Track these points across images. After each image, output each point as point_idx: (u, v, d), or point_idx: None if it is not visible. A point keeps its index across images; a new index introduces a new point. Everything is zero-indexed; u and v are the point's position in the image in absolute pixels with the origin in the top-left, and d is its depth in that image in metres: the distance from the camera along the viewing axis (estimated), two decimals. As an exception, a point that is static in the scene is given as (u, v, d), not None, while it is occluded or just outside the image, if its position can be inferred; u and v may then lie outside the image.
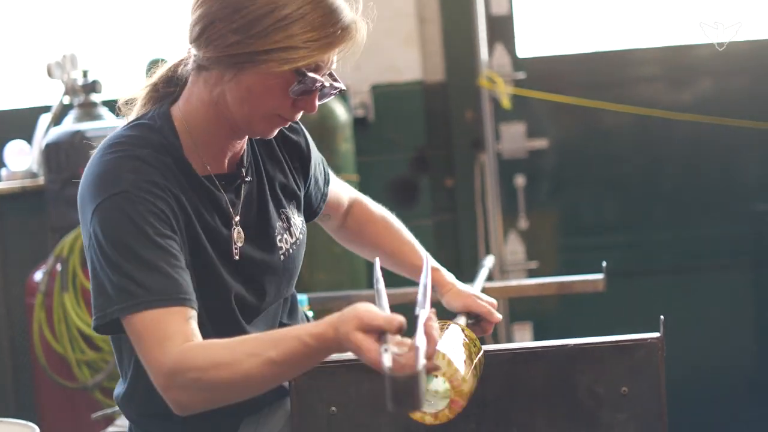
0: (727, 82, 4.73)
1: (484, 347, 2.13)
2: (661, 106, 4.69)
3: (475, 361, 2.01)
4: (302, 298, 3.19)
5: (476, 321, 2.39)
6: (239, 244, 2.13)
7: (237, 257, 2.12)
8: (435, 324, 1.81)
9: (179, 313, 1.92)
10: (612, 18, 4.77)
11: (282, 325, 2.28)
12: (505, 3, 4.74)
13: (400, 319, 1.74)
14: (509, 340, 4.69)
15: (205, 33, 2.00)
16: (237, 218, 2.12)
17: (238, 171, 2.16)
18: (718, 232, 4.75)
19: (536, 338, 4.70)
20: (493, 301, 2.42)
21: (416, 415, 1.93)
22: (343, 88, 2.14)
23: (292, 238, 2.23)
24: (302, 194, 2.30)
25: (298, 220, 2.27)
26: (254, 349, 1.84)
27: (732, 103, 4.69)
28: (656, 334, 2.11)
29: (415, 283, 2.03)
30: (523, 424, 2.14)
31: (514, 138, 4.74)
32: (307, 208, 2.36)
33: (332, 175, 2.48)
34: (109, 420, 3.35)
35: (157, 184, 1.99)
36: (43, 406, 4.31)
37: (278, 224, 2.20)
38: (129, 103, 2.19)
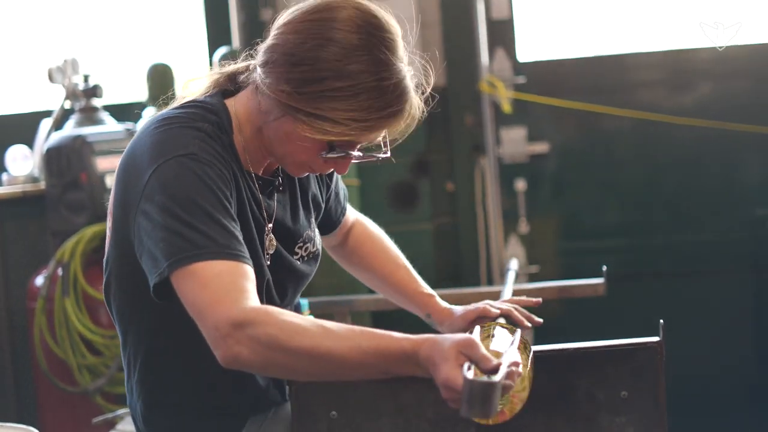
0: (727, 86, 4.73)
1: None
2: (661, 111, 4.69)
3: (529, 359, 2.02)
4: (303, 302, 3.19)
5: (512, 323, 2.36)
6: (270, 252, 2.12)
7: (268, 262, 2.11)
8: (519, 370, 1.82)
9: (244, 269, 1.88)
10: (612, 22, 4.77)
11: None
12: (505, 7, 4.74)
13: (496, 363, 1.74)
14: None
15: (268, 65, 2.00)
16: (270, 225, 2.12)
17: (274, 178, 2.16)
18: (719, 237, 4.75)
19: (536, 342, 4.69)
20: (506, 307, 2.37)
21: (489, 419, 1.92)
22: (380, 157, 2.13)
23: (313, 247, 2.24)
24: (323, 204, 2.32)
25: (317, 231, 2.29)
26: (346, 332, 1.82)
27: (733, 107, 4.69)
28: (656, 339, 2.11)
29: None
30: (523, 428, 2.14)
31: (514, 142, 4.74)
32: (327, 221, 2.37)
33: None
34: (110, 424, 3.35)
35: (220, 154, 1.98)
36: (44, 410, 4.31)
37: (304, 232, 2.21)
38: (193, 82, 2.18)
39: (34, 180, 4.53)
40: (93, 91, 4.39)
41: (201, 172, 1.92)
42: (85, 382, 4.10)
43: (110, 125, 4.37)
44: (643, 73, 4.78)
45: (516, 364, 1.79)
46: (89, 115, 4.38)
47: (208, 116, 2.03)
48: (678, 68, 4.75)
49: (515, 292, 3.57)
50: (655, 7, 4.75)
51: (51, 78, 4.41)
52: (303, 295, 3.03)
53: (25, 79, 4.99)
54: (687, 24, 4.71)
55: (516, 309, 2.37)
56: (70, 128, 4.35)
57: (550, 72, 4.77)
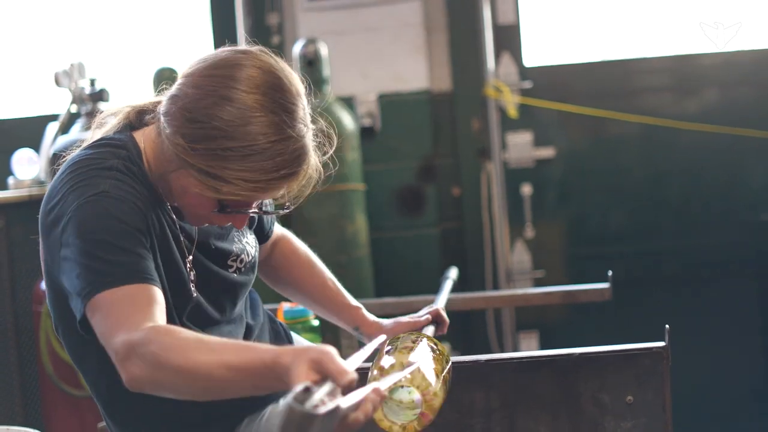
0: (733, 91, 4.73)
1: (488, 356, 2.13)
2: (667, 116, 4.69)
3: (444, 374, 2.01)
4: (304, 308, 3.19)
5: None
6: (192, 275, 2.11)
7: (194, 293, 2.10)
8: (370, 406, 1.70)
9: (146, 291, 1.88)
10: (618, 27, 4.77)
11: (248, 326, 2.28)
12: (511, 12, 4.75)
13: (352, 378, 1.64)
14: (515, 348, 4.69)
15: (168, 115, 1.98)
16: (190, 257, 2.11)
17: None
18: (724, 242, 4.74)
19: (542, 347, 4.70)
20: (419, 318, 2.37)
21: (384, 424, 1.92)
22: (280, 213, 2.12)
23: (248, 257, 2.23)
24: (255, 217, 2.32)
25: (251, 238, 2.28)
26: (216, 346, 1.77)
27: (738, 112, 4.69)
28: (661, 343, 2.12)
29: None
30: (529, 431, 2.14)
31: (520, 147, 4.74)
32: (258, 231, 2.36)
33: None
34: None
35: (133, 187, 1.98)
36: (50, 413, 4.31)
37: (235, 246, 2.20)
38: (102, 125, 2.16)
39: (40, 184, 4.53)
40: (99, 95, 4.39)
41: (111, 207, 1.93)
42: (91, 385, 4.10)
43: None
44: (648, 78, 4.78)
45: (381, 396, 1.69)
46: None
47: (118, 152, 2.03)
48: (684, 74, 4.75)
49: (514, 297, 3.60)
50: (661, 12, 4.75)
51: (57, 82, 4.41)
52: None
53: (32, 83, 4.99)
54: (693, 29, 4.71)
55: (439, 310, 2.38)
56: (76, 132, 4.35)
57: (556, 77, 4.77)
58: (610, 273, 3.30)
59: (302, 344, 1.72)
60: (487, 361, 2.13)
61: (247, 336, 2.25)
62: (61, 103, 4.59)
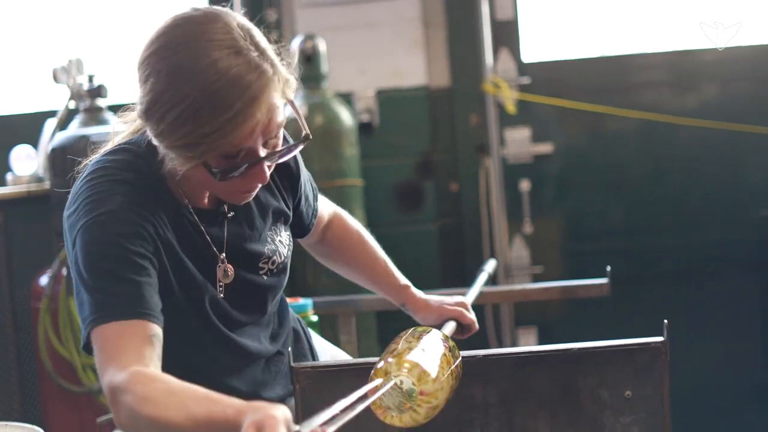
0: (732, 87, 4.73)
1: (487, 351, 2.14)
2: (666, 111, 4.69)
3: (452, 366, 2.02)
4: (307, 302, 3.19)
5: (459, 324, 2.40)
6: (225, 281, 2.11)
7: (222, 295, 2.10)
8: None
9: (139, 327, 1.89)
10: (617, 23, 4.77)
11: (273, 334, 2.26)
12: (510, 8, 4.75)
13: None
14: (514, 344, 4.69)
15: (141, 114, 1.98)
16: (222, 255, 2.10)
17: (219, 207, 2.12)
18: (723, 237, 4.75)
19: (541, 342, 4.70)
20: (463, 304, 2.43)
21: (395, 421, 1.94)
22: (288, 154, 2.02)
23: (279, 258, 2.21)
24: (291, 211, 2.27)
25: (285, 236, 2.25)
26: (187, 400, 1.78)
27: (737, 108, 4.69)
28: (660, 339, 2.12)
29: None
30: (527, 427, 2.14)
31: (518, 143, 4.74)
32: (299, 224, 2.33)
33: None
34: (114, 424, 3.35)
35: (142, 206, 1.98)
36: (49, 410, 4.31)
37: (267, 248, 2.18)
38: (118, 133, 2.16)
39: (38, 180, 4.53)
40: (97, 92, 4.39)
41: (115, 230, 1.93)
42: (90, 381, 4.11)
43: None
44: (647, 73, 4.78)
45: None
46: (94, 115, 4.38)
47: (136, 162, 2.02)
48: (682, 69, 4.75)
49: (512, 293, 3.59)
50: (659, 8, 4.75)
51: (55, 78, 4.41)
52: (307, 295, 3.04)
53: (30, 79, 4.99)
54: (691, 25, 4.71)
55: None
56: (74, 128, 4.35)
57: (554, 73, 4.77)
58: (608, 268, 3.30)
59: (260, 405, 1.71)
60: (485, 356, 2.13)
61: (273, 338, 2.25)
62: (59, 99, 4.58)
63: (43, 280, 4.24)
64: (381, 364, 1.96)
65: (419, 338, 2.06)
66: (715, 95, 4.74)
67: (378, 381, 1.93)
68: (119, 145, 2.10)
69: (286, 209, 2.25)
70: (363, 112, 4.66)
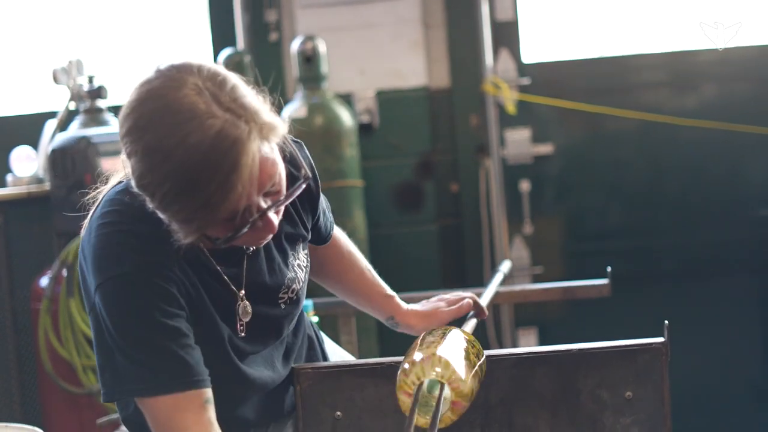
0: (731, 87, 4.73)
1: (487, 352, 2.13)
2: (665, 112, 4.69)
3: (477, 364, 2.01)
4: (307, 303, 3.19)
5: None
6: (245, 319, 2.07)
7: (242, 333, 2.07)
8: None
9: (194, 398, 1.90)
10: (616, 23, 4.77)
11: (287, 348, 2.23)
12: (510, 9, 4.75)
13: None
14: (514, 344, 4.69)
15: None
16: (241, 293, 2.06)
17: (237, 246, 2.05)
18: (723, 238, 4.75)
19: (541, 343, 4.70)
20: (456, 304, 2.38)
21: (421, 422, 1.93)
22: (290, 198, 1.94)
23: (298, 284, 2.17)
24: (309, 231, 2.22)
25: (302, 257, 2.20)
26: None
27: (736, 108, 4.69)
28: (660, 339, 2.12)
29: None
30: (528, 428, 2.14)
31: (519, 143, 4.74)
32: (317, 237, 2.29)
33: None
34: (115, 425, 3.35)
35: (159, 264, 1.93)
36: (49, 411, 4.31)
37: (287, 278, 2.14)
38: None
39: (38, 181, 4.53)
40: (98, 92, 4.39)
41: (137, 296, 1.91)
42: (90, 382, 4.11)
43: (115, 126, 4.37)
44: (647, 74, 4.78)
45: None
46: (94, 116, 4.39)
47: (147, 207, 1.90)
48: (682, 70, 4.75)
49: (512, 294, 3.59)
50: (659, 8, 4.75)
51: (56, 79, 4.41)
52: (308, 296, 3.02)
53: (30, 80, 4.99)
54: (691, 25, 4.71)
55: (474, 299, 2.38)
56: (74, 129, 4.35)
57: (554, 73, 4.77)
58: (609, 269, 3.30)
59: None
60: (486, 357, 2.13)
61: (286, 356, 2.22)
62: (59, 100, 4.59)
63: (44, 281, 4.25)
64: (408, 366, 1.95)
65: (443, 337, 2.04)
66: (714, 96, 4.74)
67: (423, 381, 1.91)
68: (130, 182, 1.97)
69: (304, 232, 2.19)
70: (363, 113, 4.66)
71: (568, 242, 4.82)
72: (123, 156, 1.94)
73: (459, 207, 4.76)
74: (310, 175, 1.99)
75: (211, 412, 1.92)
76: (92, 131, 4.26)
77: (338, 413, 2.17)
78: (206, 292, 2.01)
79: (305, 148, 2.15)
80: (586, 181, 4.79)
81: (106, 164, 4.16)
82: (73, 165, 4.18)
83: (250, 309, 2.07)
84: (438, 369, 1.91)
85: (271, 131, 1.86)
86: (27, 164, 4.56)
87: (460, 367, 1.93)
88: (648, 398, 2.11)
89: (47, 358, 4.17)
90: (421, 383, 1.91)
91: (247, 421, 2.15)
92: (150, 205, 1.87)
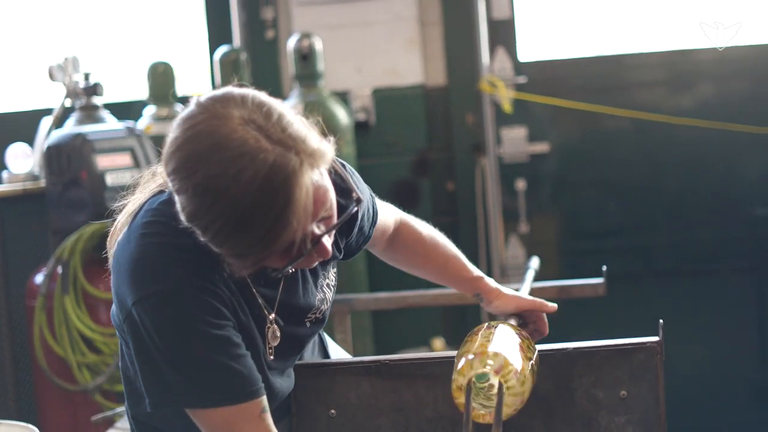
0: (727, 86, 4.73)
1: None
2: (661, 111, 4.69)
3: (532, 358, 2.01)
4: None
5: (524, 323, 2.37)
6: (274, 344, 2.05)
7: (271, 357, 2.05)
8: None
9: (248, 410, 1.90)
10: (613, 22, 4.77)
11: (299, 357, 2.22)
12: (506, 7, 4.75)
13: None
14: (509, 343, 4.68)
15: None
16: (272, 316, 2.04)
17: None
18: (719, 237, 4.75)
19: (536, 342, 4.69)
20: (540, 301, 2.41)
21: (483, 418, 1.93)
22: (343, 221, 1.92)
23: (326, 305, 2.16)
24: (342, 251, 2.20)
25: (332, 275, 2.20)
26: None
27: (732, 107, 4.69)
28: (655, 338, 2.12)
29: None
30: (523, 426, 2.14)
31: (515, 142, 4.74)
32: (347, 254, 2.26)
33: (378, 204, 2.38)
34: (109, 422, 3.35)
35: (203, 277, 1.90)
36: (44, 408, 4.31)
37: (317, 299, 2.13)
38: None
39: (34, 178, 4.53)
40: (94, 90, 4.39)
41: (184, 311, 1.88)
42: (85, 380, 4.10)
43: (111, 123, 4.37)
44: (643, 73, 4.79)
45: None
46: (90, 114, 4.38)
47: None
48: (678, 69, 4.75)
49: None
50: (656, 7, 4.75)
51: (52, 76, 4.41)
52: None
53: (26, 77, 4.99)
54: (687, 25, 4.72)
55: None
56: (70, 126, 4.35)
57: (550, 72, 4.77)
58: (604, 268, 3.30)
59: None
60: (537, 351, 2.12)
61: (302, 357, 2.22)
62: (55, 97, 4.58)
63: (39, 278, 4.24)
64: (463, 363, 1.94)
65: (494, 332, 2.04)
66: (710, 95, 4.74)
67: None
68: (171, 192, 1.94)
69: (337, 253, 2.17)
70: (359, 111, 4.66)
71: (563, 241, 4.82)
72: (159, 168, 1.95)
73: (455, 205, 4.76)
74: (362, 198, 1.99)
75: (269, 420, 1.91)
76: (88, 128, 4.26)
77: (332, 411, 2.17)
78: (247, 307, 1.99)
79: (348, 167, 2.15)
80: (581, 179, 4.79)
81: (102, 161, 4.16)
82: (69, 162, 4.17)
83: (278, 334, 2.05)
84: (491, 362, 1.90)
85: (321, 158, 1.84)
86: (22, 161, 4.55)
87: (511, 356, 1.93)
88: (643, 397, 2.11)
89: (42, 355, 4.16)
90: (470, 381, 1.90)
91: None
92: (201, 238, 1.83)
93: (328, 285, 2.17)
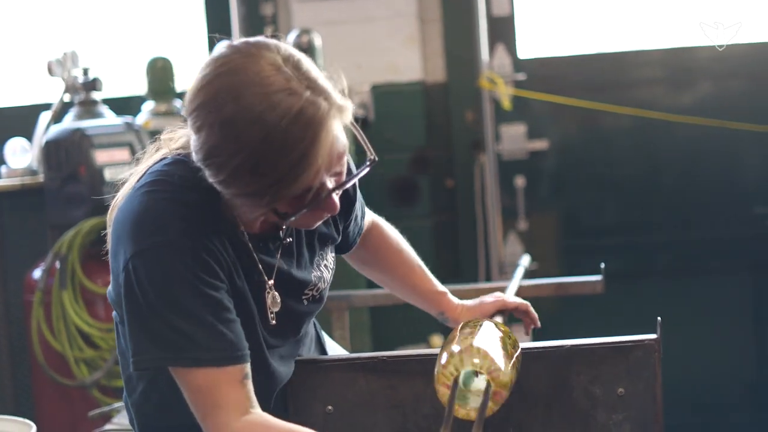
0: (726, 84, 4.73)
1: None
2: (660, 108, 4.69)
3: (514, 354, 2.01)
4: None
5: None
6: (275, 309, 2.06)
7: (273, 322, 2.06)
8: None
9: (233, 373, 1.89)
10: (612, 20, 4.77)
11: (300, 348, 2.23)
12: (506, 4, 4.74)
13: None
14: (508, 341, 4.68)
15: (198, 162, 1.90)
16: (271, 282, 2.05)
17: (274, 233, 2.05)
18: (717, 235, 4.75)
19: (534, 339, 4.69)
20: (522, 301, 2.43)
21: (460, 413, 1.93)
22: (355, 179, 2.00)
23: (324, 284, 2.17)
24: (340, 234, 2.23)
25: (330, 259, 2.21)
26: None
27: (731, 105, 4.69)
28: (653, 336, 2.11)
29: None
30: (520, 424, 2.14)
31: (514, 139, 4.74)
32: (343, 244, 2.29)
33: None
34: (107, 418, 3.35)
35: (203, 233, 1.92)
36: (41, 403, 4.30)
37: (314, 275, 2.14)
38: (173, 140, 2.05)
39: (32, 173, 4.53)
40: (92, 85, 4.38)
41: (180, 264, 1.88)
42: (83, 375, 4.10)
43: (109, 118, 4.37)
44: (642, 70, 4.78)
45: None
46: (88, 109, 4.38)
47: (196, 181, 1.91)
48: (677, 66, 4.75)
49: (503, 290, 3.58)
50: (656, 5, 4.74)
51: (50, 71, 4.41)
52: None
53: (25, 71, 4.98)
54: (687, 22, 4.71)
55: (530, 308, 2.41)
56: (69, 121, 4.35)
57: (550, 69, 4.77)
58: (602, 265, 3.30)
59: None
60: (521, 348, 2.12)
61: (298, 355, 2.21)
62: (54, 92, 4.58)
63: (37, 273, 4.24)
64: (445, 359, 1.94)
65: (475, 328, 2.05)
66: (710, 92, 4.74)
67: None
68: (179, 155, 2.00)
69: (335, 234, 2.20)
70: (358, 107, 4.65)
71: (562, 238, 4.82)
72: (167, 135, 2.01)
73: (454, 202, 4.76)
74: (377, 159, 2.01)
75: (250, 387, 1.91)
76: (87, 123, 4.26)
77: (329, 407, 2.17)
78: (244, 273, 2.00)
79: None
80: (580, 177, 4.79)
81: (100, 157, 4.16)
82: (67, 157, 4.17)
83: (279, 299, 2.06)
84: (476, 360, 1.90)
85: (345, 112, 1.90)
86: (21, 156, 4.55)
87: (498, 357, 1.93)
88: (640, 395, 2.11)
89: (40, 350, 4.16)
90: (458, 374, 1.90)
91: None
92: (212, 179, 1.86)
93: (325, 266, 2.18)
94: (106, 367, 4.07)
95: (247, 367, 1.91)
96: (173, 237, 1.89)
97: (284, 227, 2.06)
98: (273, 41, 1.89)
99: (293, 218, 1.90)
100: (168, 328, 1.88)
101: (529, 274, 4.70)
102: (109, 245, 2.03)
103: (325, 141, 1.83)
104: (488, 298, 2.41)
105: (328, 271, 2.20)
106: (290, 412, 2.16)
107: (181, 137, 2.04)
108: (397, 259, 2.46)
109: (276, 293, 2.06)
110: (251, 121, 1.80)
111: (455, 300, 2.43)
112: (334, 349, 2.48)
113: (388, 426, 2.14)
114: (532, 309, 2.42)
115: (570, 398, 2.13)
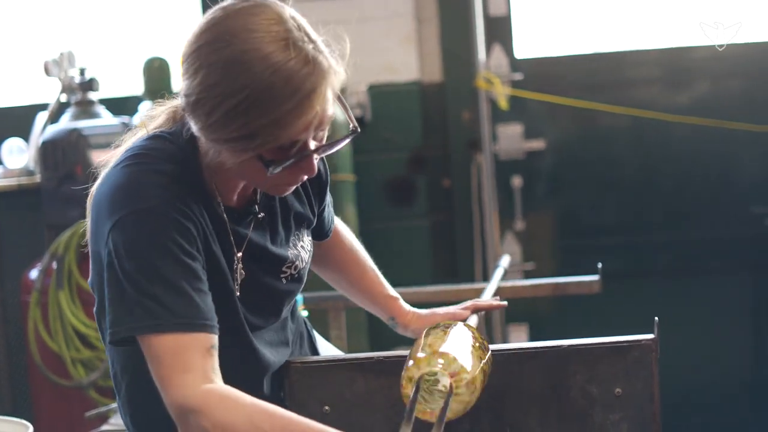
0: (724, 84, 4.73)
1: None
2: (658, 108, 4.69)
3: (482, 357, 2.01)
4: (298, 298, 3.18)
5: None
6: (239, 279, 2.06)
7: (238, 293, 2.06)
8: None
9: (200, 340, 1.88)
10: (610, 19, 4.77)
11: (286, 337, 2.23)
12: (503, 4, 4.74)
13: None
14: (504, 340, 4.69)
15: (185, 110, 1.94)
16: (239, 254, 2.06)
17: (249, 207, 2.09)
18: (715, 235, 4.75)
19: (531, 339, 4.70)
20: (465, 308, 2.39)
21: (426, 415, 1.92)
22: (336, 146, 2.03)
23: (302, 263, 2.18)
24: (315, 217, 2.25)
25: (307, 241, 2.22)
26: (273, 428, 1.82)
27: (729, 105, 4.69)
28: (650, 336, 2.11)
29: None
30: (517, 424, 2.14)
31: (511, 139, 4.74)
32: (318, 230, 2.31)
33: None
34: (104, 418, 3.35)
35: (183, 202, 1.93)
36: (38, 404, 4.30)
37: (290, 253, 2.15)
38: (153, 118, 2.10)
39: (29, 173, 4.53)
40: (89, 85, 4.39)
41: (158, 229, 1.90)
42: (79, 375, 4.10)
43: (106, 119, 4.37)
44: (640, 70, 4.78)
45: None
46: (85, 109, 4.38)
47: (174, 152, 1.98)
48: (675, 66, 4.75)
49: (502, 290, 3.59)
50: (653, 4, 4.74)
51: (47, 71, 4.40)
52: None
53: (22, 72, 4.98)
54: (684, 22, 4.71)
55: (479, 302, 2.40)
56: (65, 121, 4.35)
57: (547, 69, 4.77)
58: (599, 265, 3.30)
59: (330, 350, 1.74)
60: (491, 350, 2.12)
61: (284, 344, 2.22)
62: (50, 92, 4.58)
63: (33, 273, 4.24)
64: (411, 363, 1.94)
65: (447, 331, 2.04)
66: (707, 92, 4.74)
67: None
68: (158, 131, 2.05)
69: (311, 215, 2.22)
70: (355, 107, 4.65)
71: (559, 238, 4.82)
72: (149, 112, 2.07)
73: (451, 202, 4.76)
74: (359, 129, 2.08)
75: (215, 359, 1.90)
76: (83, 123, 4.26)
77: (327, 408, 2.17)
78: (219, 243, 2.02)
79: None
80: (578, 177, 4.78)
81: (97, 157, 4.16)
82: (64, 157, 4.17)
83: (244, 273, 2.07)
84: (441, 362, 1.90)
85: (339, 76, 1.97)
86: (18, 156, 4.55)
87: (465, 359, 1.93)
88: (637, 395, 2.11)
89: (37, 350, 4.16)
90: (421, 376, 1.90)
91: None
92: (199, 124, 1.90)
93: (302, 246, 2.19)
94: (103, 367, 4.07)
95: (215, 339, 1.91)
96: (152, 203, 1.91)
97: (258, 202, 2.09)
98: (280, 3, 1.98)
99: (278, 169, 1.91)
100: (142, 294, 1.88)
101: (525, 274, 4.72)
102: (88, 233, 2.06)
103: (320, 95, 1.89)
104: (440, 311, 2.38)
105: (306, 252, 2.21)
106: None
107: (161, 114, 2.08)
108: (350, 259, 2.46)
109: (242, 266, 2.07)
110: (252, 63, 1.85)
111: (406, 306, 2.42)
112: (327, 349, 2.48)
113: (385, 426, 2.14)
114: (482, 304, 2.41)
115: (567, 398, 2.13)
